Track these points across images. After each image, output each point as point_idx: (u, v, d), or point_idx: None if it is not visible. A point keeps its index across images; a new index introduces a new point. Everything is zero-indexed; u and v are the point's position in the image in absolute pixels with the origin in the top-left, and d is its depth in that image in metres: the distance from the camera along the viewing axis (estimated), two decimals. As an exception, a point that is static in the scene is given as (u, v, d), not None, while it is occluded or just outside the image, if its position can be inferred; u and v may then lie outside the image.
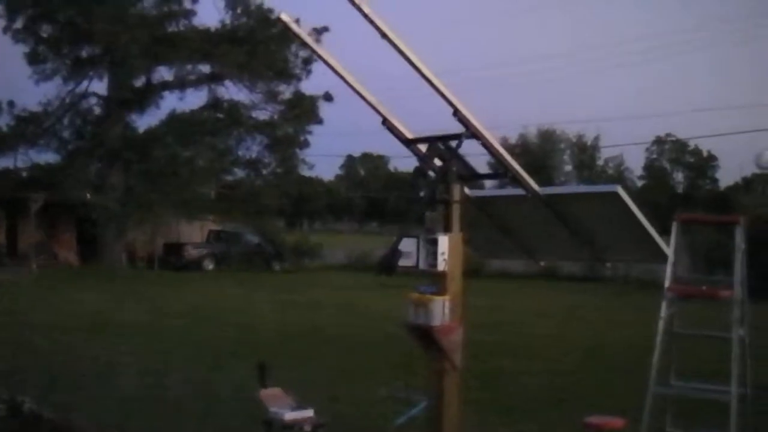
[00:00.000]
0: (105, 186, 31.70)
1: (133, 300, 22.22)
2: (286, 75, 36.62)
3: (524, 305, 22.45)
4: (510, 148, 49.81)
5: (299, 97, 36.97)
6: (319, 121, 37.71)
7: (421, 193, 5.89)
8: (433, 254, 5.86)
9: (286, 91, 36.76)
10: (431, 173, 6.04)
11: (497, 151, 5.97)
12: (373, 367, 11.76)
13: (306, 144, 39.12)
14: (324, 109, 37.91)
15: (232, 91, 37.04)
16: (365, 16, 5.12)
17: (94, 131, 35.82)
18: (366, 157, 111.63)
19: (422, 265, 5.94)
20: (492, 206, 6.94)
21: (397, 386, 10.24)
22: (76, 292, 23.94)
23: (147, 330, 16.13)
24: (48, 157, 38.03)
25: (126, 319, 17.94)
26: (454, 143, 6.13)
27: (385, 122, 6.26)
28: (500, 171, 6.13)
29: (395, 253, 5.90)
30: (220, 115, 36.27)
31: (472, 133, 5.81)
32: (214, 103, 36.44)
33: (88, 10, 30.85)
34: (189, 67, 34.83)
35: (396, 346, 10.74)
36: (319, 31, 36.60)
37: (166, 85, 35.74)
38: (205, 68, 35.82)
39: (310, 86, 38.27)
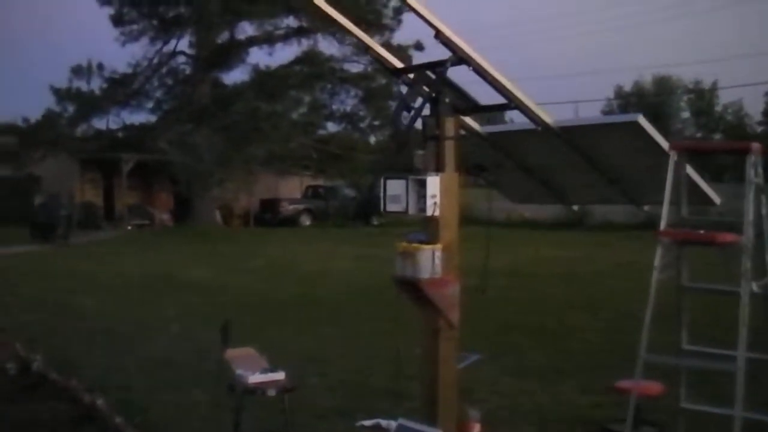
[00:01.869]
0: (190, 145, 31.58)
1: (209, 258, 22.05)
2: (376, 26, 35.83)
3: (612, 257, 21.38)
4: (626, 96, 48.79)
5: (389, 48, 36.15)
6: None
7: (403, 126, 5.16)
8: (423, 197, 5.16)
9: (377, 42, 35.81)
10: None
11: (492, 77, 5.17)
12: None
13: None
14: (417, 59, 37.02)
15: (323, 45, 36.49)
16: None
17: (183, 90, 35.84)
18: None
19: (411, 210, 5.24)
20: (509, 143, 6.16)
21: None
22: (155, 252, 23.91)
23: (205, 288, 15.80)
24: (140, 117, 38.38)
25: (191, 277, 17.70)
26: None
27: (369, 51, 5.55)
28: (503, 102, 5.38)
29: (371, 199, 5.24)
30: (310, 69, 35.73)
31: (460, 57, 5.04)
32: (304, 57, 35.90)
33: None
34: (274, 21, 34.34)
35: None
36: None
37: (253, 41, 35.41)
38: (294, 22, 35.32)
39: (402, 36, 37.52)
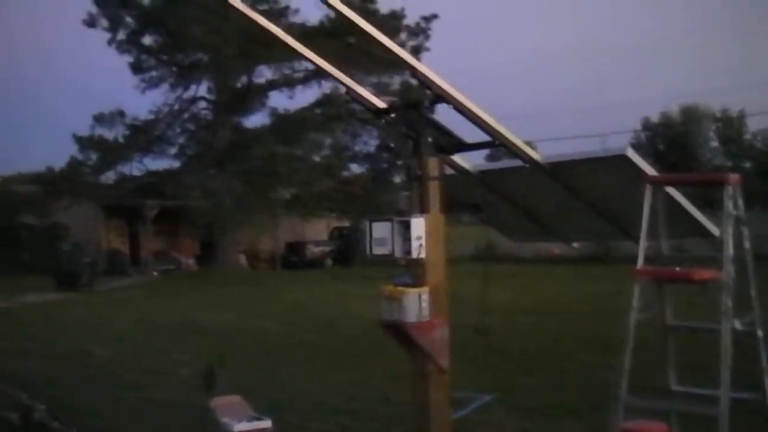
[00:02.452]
0: (210, 189, 31.70)
1: (231, 302, 21.98)
2: (395, 65, 35.89)
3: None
4: (654, 128, 48.18)
5: (409, 87, 36.25)
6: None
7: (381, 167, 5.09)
8: (408, 239, 5.05)
9: (396, 82, 36.03)
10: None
11: (474, 114, 5.07)
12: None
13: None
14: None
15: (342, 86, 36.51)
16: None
17: (204, 136, 36.04)
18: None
19: (397, 253, 5.14)
20: (500, 182, 6.04)
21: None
22: (177, 297, 23.86)
23: (224, 332, 15.71)
24: (162, 163, 38.58)
25: (211, 321, 17.61)
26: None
27: (349, 92, 5.47)
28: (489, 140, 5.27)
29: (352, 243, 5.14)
30: (329, 111, 35.84)
31: (438, 95, 4.96)
32: (324, 100, 36.00)
33: (183, 17, 30.86)
34: (291, 65, 34.50)
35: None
36: (428, 19, 36.11)
37: (272, 85, 35.60)
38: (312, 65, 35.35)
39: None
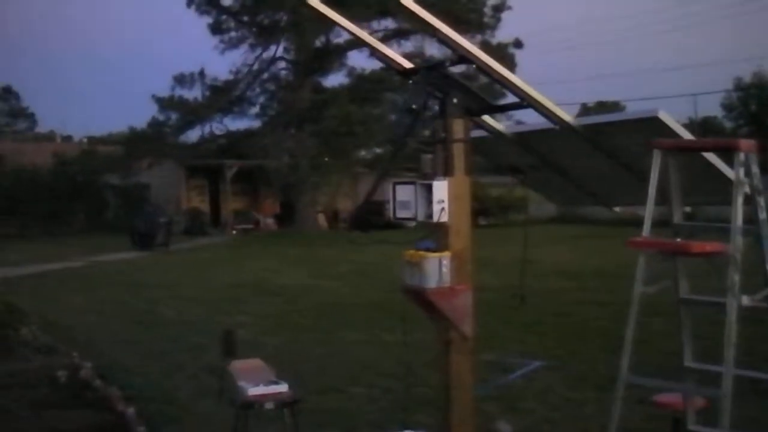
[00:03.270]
0: (286, 149, 31.82)
1: (304, 262, 22.10)
2: (477, 25, 35.42)
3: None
4: (746, 88, 46.45)
5: (488, 46, 35.77)
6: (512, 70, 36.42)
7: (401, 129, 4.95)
8: (430, 203, 4.94)
9: (475, 42, 35.60)
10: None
11: (500, 75, 4.91)
12: (499, 330, 10.77)
13: (503, 95, 37.84)
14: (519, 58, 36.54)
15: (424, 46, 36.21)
16: None
17: (284, 96, 36.09)
18: (601, 105, 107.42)
19: (420, 216, 5.05)
20: (537, 144, 5.85)
21: (506, 354, 9.41)
22: (252, 258, 24.02)
23: (291, 293, 15.77)
24: (242, 123, 38.79)
25: (281, 282, 17.72)
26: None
27: (374, 52, 5.32)
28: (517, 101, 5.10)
29: (368, 205, 5.02)
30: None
31: (462, 55, 4.81)
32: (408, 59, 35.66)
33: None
34: (370, 24, 34.23)
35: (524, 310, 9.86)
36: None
37: (352, 44, 35.38)
38: (392, 24, 35.15)
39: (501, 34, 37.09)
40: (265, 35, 34.70)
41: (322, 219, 38.15)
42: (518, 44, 36.08)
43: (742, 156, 3.89)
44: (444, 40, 4.72)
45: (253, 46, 35.20)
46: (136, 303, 14.78)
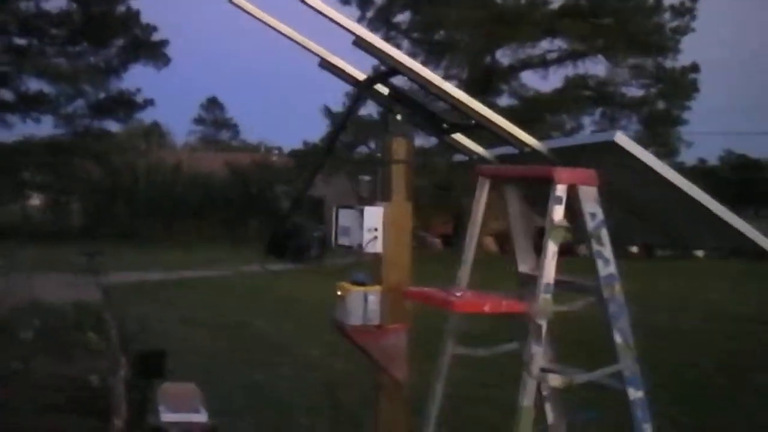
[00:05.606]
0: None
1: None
2: (654, 47, 34.07)
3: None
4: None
5: (667, 70, 34.38)
6: (691, 96, 34.88)
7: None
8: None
9: (648, 64, 34.27)
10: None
11: (439, 89, 4.37)
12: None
13: (682, 121, 36.39)
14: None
15: (598, 68, 35.26)
16: None
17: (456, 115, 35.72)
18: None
19: (354, 244, 4.60)
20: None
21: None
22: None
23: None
24: (419, 141, 38.64)
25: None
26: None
27: (324, 63, 4.82)
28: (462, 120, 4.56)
29: (287, 231, 4.59)
30: (577, 94, 34.70)
31: (391, 66, 4.29)
32: (578, 81, 34.83)
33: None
34: (540, 44, 33.60)
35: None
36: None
37: (525, 64, 34.81)
38: (563, 45, 34.40)
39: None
40: (436, 53, 34.55)
41: (490, 242, 37.44)
42: (695, 69, 34.53)
43: (558, 190, 3.21)
44: (368, 50, 4.22)
45: (423, 64, 34.98)
46: (235, 314, 14.67)
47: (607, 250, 3.39)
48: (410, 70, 4.29)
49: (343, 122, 4.36)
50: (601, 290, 3.39)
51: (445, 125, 4.70)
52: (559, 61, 34.55)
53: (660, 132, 35.94)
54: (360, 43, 4.20)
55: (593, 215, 3.40)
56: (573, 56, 34.10)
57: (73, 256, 20.15)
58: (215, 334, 12.64)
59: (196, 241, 32.73)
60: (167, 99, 78.48)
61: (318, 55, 4.79)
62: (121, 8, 35.00)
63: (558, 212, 3.28)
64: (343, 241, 4.68)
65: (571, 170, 3.38)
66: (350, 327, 4.33)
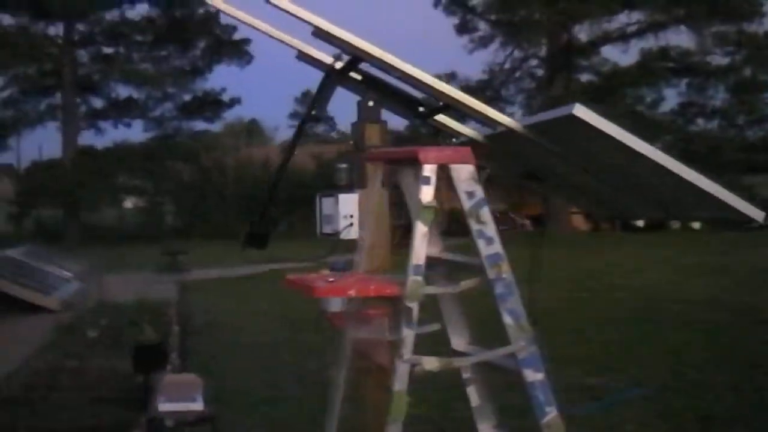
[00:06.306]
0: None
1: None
2: (737, 13, 33.11)
3: None
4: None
5: (750, 36, 33.37)
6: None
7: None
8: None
9: (731, 31, 33.32)
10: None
11: (405, 73, 4.38)
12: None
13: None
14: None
15: (680, 38, 34.53)
16: None
17: (539, 93, 35.49)
18: None
19: (331, 231, 4.67)
20: (513, 148, 5.17)
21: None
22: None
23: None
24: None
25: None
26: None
27: (300, 55, 4.83)
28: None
29: (264, 219, 4.65)
30: (669, 65, 33.96)
31: (351, 52, 4.32)
32: (659, 53, 34.10)
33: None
34: (617, 18, 32.98)
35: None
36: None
37: (605, 39, 34.21)
38: (647, 17, 33.68)
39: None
40: (516, 33, 34.22)
41: (579, 220, 36.99)
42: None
43: (426, 170, 3.18)
44: (328, 40, 4.26)
45: (503, 45, 34.85)
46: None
47: (490, 229, 3.35)
48: (371, 55, 4.31)
49: (308, 111, 4.38)
50: (486, 271, 3.37)
51: (421, 108, 4.66)
52: (639, 33, 33.86)
53: (747, 99, 35.06)
54: (319, 33, 4.24)
55: (470, 194, 3.35)
56: (653, 27, 33.39)
57: (158, 256, 20.77)
58: (281, 325, 12.73)
59: (284, 235, 33.06)
60: (264, 96, 79.08)
61: (291, 46, 4.84)
62: (200, 11, 35.61)
63: (427, 193, 3.26)
64: (327, 229, 4.73)
65: (438, 149, 3.35)
66: (331, 314, 4.40)
